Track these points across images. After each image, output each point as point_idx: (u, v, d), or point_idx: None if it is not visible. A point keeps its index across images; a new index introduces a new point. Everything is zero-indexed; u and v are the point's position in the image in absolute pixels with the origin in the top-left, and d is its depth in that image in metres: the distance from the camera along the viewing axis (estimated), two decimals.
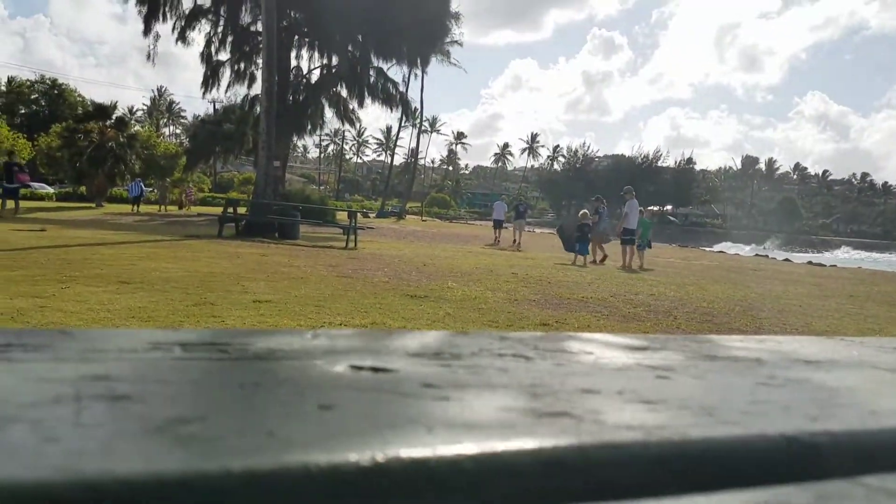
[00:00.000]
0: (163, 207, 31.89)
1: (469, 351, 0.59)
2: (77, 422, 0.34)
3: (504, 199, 28.21)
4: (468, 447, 0.35)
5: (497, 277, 10.09)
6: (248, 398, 0.41)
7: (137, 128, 45.74)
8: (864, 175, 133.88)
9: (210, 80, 30.40)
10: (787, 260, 26.10)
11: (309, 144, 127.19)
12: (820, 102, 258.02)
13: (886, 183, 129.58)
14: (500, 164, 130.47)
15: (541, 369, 0.55)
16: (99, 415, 0.35)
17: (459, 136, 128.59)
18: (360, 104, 31.04)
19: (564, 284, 9.82)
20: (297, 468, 0.31)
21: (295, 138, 33.99)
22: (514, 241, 20.57)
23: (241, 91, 32.18)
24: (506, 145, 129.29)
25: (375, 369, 0.50)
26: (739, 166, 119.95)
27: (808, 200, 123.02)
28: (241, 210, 18.61)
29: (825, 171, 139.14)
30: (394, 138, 68.18)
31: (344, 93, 31.39)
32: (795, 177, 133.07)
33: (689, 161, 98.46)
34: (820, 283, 13.73)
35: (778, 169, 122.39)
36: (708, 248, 37.95)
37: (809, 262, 24.67)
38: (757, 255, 31.13)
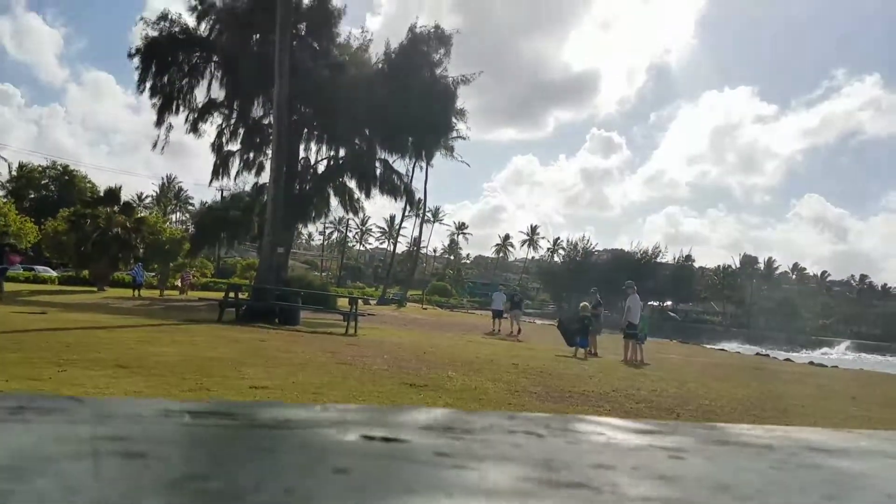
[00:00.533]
0: (162, 292, 31.78)
1: (480, 426, 0.60)
2: (97, 474, 0.34)
3: (502, 289, 28.72)
4: None
5: (497, 368, 9.99)
6: (262, 459, 0.41)
7: (144, 213, 46.49)
8: (863, 276, 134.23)
9: (220, 169, 31.17)
10: (788, 360, 25.84)
11: (313, 231, 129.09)
12: (817, 204, 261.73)
13: (885, 285, 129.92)
14: (500, 254, 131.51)
15: (554, 446, 0.55)
16: (118, 469, 0.36)
17: (461, 226, 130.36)
18: (367, 195, 31.64)
19: (566, 377, 9.71)
20: None
21: (300, 226, 34.47)
22: (512, 331, 20.97)
23: (249, 179, 32.90)
24: (507, 237, 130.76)
25: (387, 439, 0.50)
26: (738, 265, 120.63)
27: (808, 301, 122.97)
28: (243, 295, 18.63)
29: (824, 272, 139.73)
30: (397, 227, 69.23)
31: (350, 183, 32.09)
32: (794, 276, 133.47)
33: (688, 258, 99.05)
34: (822, 384, 13.54)
35: (777, 268, 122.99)
36: (709, 345, 37.65)
37: (811, 363, 24.42)
38: (758, 353, 30.83)
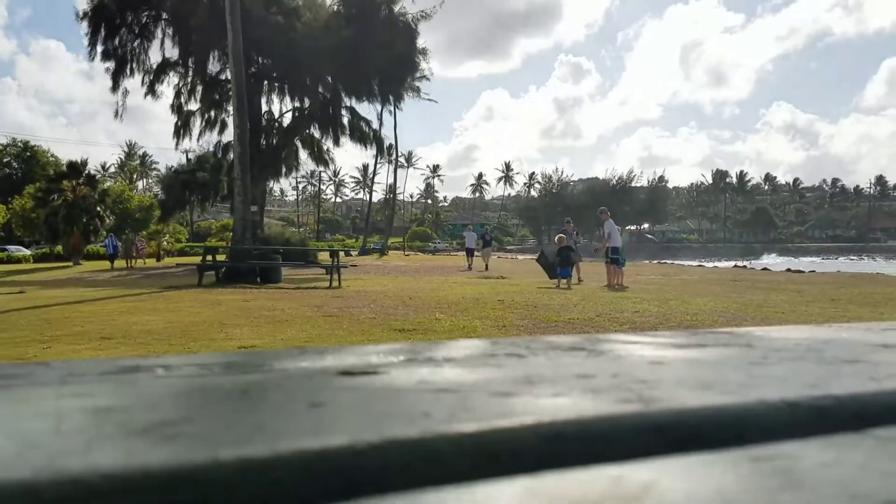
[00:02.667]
0: (130, 262, 29.90)
1: (461, 354, 0.60)
2: (58, 430, 0.33)
3: (470, 228, 31.67)
4: (468, 426, 0.35)
5: (484, 306, 10.09)
6: (235, 402, 0.40)
7: (109, 183, 45.50)
8: (835, 180, 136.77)
9: (181, 130, 30.47)
10: (765, 269, 26.41)
11: (286, 187, 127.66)
12: (786, 112, 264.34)
13: (858, 186, 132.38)
14: (477, 194, 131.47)
15: (535, 363, 0.55)
16: (80, 423, 0.34)
17: (435, 169, 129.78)
18: (336, 144, 31.26)
19: (551, 308, 9.84)
20: (290, 455, 0.30)
21: (271, 182, 34.07)
22: (486, 266, 23.15)
23: (213, 139, 32.22)
24: (480, 175, 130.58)
25: (367, 373, 0.49)
26: (710, 181, 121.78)
27: (782, 209, 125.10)
28: (221, 257, 18.47)
29: (796, 180, 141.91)
30: (371, 176, 68.69)
31: (317, 134, 31.59)
32: (767, 187, 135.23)
33: (662, 179, 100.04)
34: (801, 289, 13.89)
35: (749, 181, 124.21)
36: (687, 263, 38.31)
37: (788, 270, 24.99)
38: (735, 266, 31.48)
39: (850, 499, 0.29)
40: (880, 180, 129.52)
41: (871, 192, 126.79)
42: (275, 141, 30.46)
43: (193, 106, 30.36)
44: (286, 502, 0.29)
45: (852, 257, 73.22)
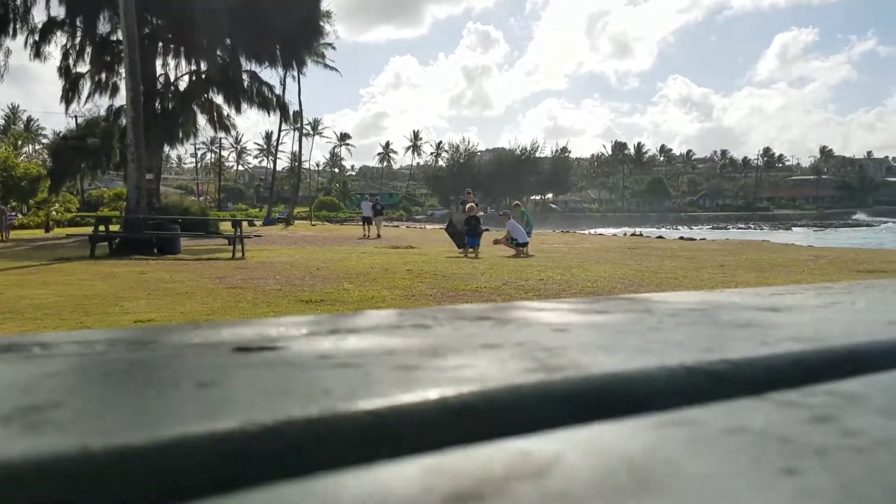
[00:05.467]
0: (2, 235, 26.85)
1: (366, 326, 0.58)
2: None
3: (368, 198, 33.43)
4: (368, 403, 0.33)
5: (393, 275, 10.08)
6: (115, 384, 0.37)
7: None
8: (724, 152, 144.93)
9: (70, 93, 28.34)
10: (660, 237, 27.77)
11: (184, 154, 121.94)
12: (682, 85, 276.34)
13: (746, 158, 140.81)
14: (385, 163, 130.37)
15: (441, 334, 0.55)
16: None
17: (343, 137, 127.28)
18: (237, 110, 30.04)
19: (458, 277, 9.96)
20: (171, 442, 0.28)
21: (167, 149, 32.39)
22: (378, 234, 25.11)
23: (105, 103, 30.18)
24: (387, 144, 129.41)
25: (263, 348, 0.47)
26: (610, 152, 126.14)
27: (675, 180, 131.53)
28: (115, 228, 17.50)
29: (689, 151, 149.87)
30: (275, 143, 66.61)
31: (217, 99, 30.24)
32: (662, 158, 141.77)
33: (565, 150, 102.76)
34: (692, 256, 14.70)
35: (647, 152, 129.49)
36: (588, 232, 39.72)
37: (681, 238, 26.38)
38: (633, 234, 32.94)
39: (754, 463, 0.29)
40: (767, 152, 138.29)
41: (759, 163, 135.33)
42: (171, 106, 28.88)
43: (83, 68, 28.24)
44: (168, 494, 0.27)
45: (740, 226, 78.04)
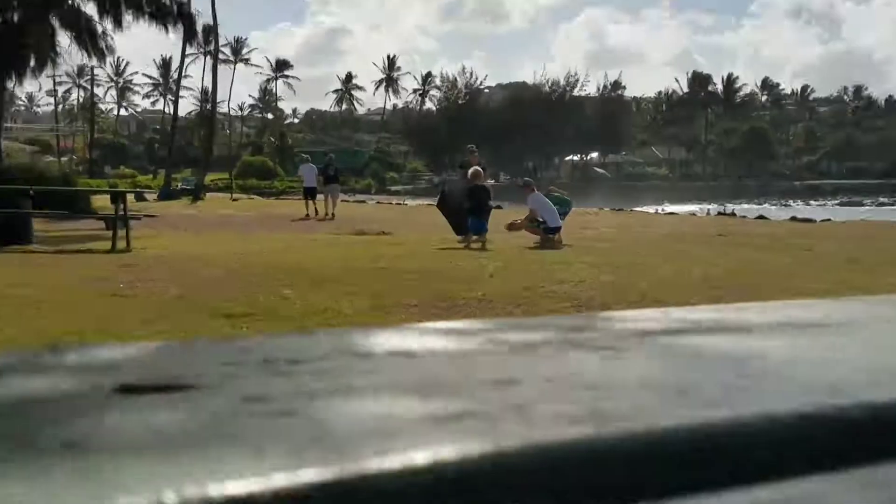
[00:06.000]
0: None
1: (317, 354, 0.58)
2: None
3: (308, 159, 30.43)
4: (321, 472, 0.33)
5: (355, 275, 10.09)
6: None
7: None
8: (859, 88, 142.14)
9: None
10: (761, 217, 27.85)
11: (37, 92, 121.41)
12: None
13: (892, 97, 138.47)
14: (343, 105, 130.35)
15: (430, 364, 0.55)
16: None
17: (281, 65, 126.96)
18: (118, 24, 29.98)
19: (457, 278, 9.96)
20: None
21: (11, 84, 32.29)
22: (327, 213, 25.15)
23: None
24: (348, 77, 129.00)
25: (160, 388, 0.46)
26: (687, 89, 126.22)
27: (785, 131, 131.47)
28: None
29: (806, 87, 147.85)
30: (176, 75, 66.19)
31: (87, 7, 30.14)
32: (765, 98, 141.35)
33: (617, 86, 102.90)
34: (811, 245, 14.75)
35: (740, 89, 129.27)
36: (652, 209, 39.81)
37: (793, 218, 26.43)
38: (721, 213, 33.06)
39: None
40: None
41: None
42: (16, 17, 28.81)
43: None
44: None
45: (883, 200, 76.55)
